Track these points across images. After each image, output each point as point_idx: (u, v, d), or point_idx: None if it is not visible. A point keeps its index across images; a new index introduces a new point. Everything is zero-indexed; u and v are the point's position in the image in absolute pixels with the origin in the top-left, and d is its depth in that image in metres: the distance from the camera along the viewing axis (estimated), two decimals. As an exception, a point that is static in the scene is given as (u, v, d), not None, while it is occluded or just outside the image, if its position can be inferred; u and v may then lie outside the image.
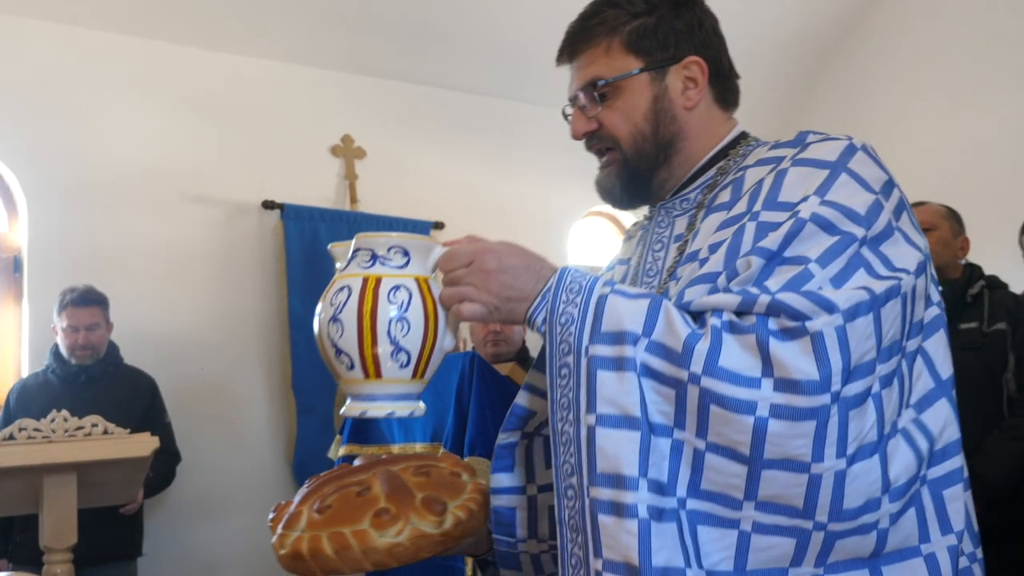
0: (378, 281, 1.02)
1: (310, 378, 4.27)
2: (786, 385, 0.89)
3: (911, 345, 1.01)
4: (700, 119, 1.21)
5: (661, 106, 1.18)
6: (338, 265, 1.08)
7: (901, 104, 5.02)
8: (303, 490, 1.15)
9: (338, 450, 3.00)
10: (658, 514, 0.91)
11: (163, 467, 3.51)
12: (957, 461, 1.04)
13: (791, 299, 0.92)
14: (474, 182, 4.88)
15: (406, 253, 1.04)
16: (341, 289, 1.03)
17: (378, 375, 1.03)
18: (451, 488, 1.12)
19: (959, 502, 1.03)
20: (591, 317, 0.97)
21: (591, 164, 1.27)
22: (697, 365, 0.91)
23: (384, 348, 1.01)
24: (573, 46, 1.22)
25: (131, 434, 2.65)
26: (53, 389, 3.37)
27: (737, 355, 0.91)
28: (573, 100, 1.23)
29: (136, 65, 4.13)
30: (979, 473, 2.42)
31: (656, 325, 0.94)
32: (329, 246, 1.10)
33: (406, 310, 1.01)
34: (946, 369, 1.06)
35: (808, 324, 0.90)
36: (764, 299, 0.93)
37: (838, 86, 5.43)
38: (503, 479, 1.20)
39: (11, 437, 2.42)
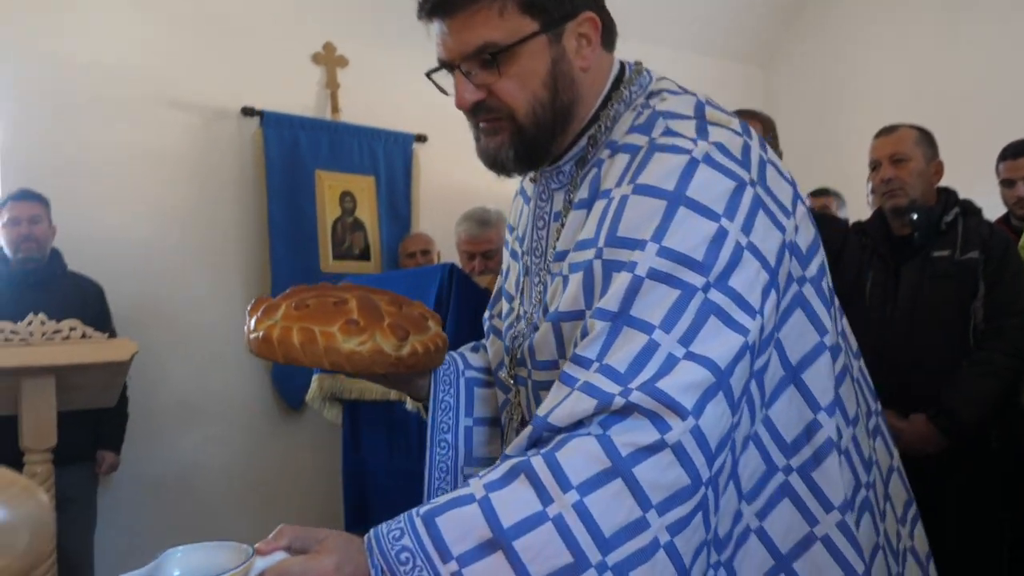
0: None
1: (290, 285, 4.24)
2: (668, 504, 0.88)
3: (759, 362, 1.01)
4: (592, 77, 1.14)
5: (560, 69, 1.10)
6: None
7: (888, 33, 4.93)
8: (287, 292, 1.30)
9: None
10: None
11: None
12: (821, 436, 1.05)
13: (643, 401, 0.90)
14: (458, 95, 4.79)
15: None
16: None
17: None
18: (417, 325, 1.27)
19: (833, 473, 1.05)
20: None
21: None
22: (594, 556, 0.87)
23: None
24: (453, 3, 1.08)
25: (109, 339, 2.67)
26: None
27: (613, 509, 0.88)
28: (452, 65, 1.11)
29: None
30: (950, 408, 2.42)
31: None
32: None
33: None
34: (798, 348, 1.06)
35: (666, 438, 0.89)
36: (619, 401, 0.91)
37: (828, 12, 5.34)
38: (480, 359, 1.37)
39: (-13, 339, 2.42)
